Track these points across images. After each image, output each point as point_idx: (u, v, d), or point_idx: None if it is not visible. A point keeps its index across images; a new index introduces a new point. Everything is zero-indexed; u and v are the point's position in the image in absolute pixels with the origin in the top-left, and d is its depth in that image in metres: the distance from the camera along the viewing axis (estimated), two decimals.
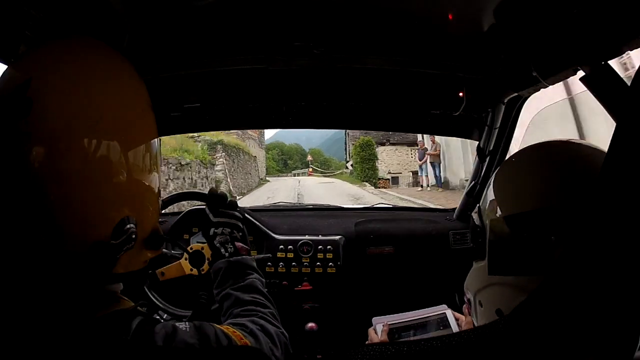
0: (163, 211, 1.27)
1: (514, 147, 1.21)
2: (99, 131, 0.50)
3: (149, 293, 1.12)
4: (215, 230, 0.92)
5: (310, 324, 1.35)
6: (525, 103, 1.19)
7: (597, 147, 0.53)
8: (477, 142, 1.42)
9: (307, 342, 1.37)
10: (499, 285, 0.55)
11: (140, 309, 0.57)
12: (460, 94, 1.20)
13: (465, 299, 0.69)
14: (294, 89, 1.26)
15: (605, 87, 0.71)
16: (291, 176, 30.82)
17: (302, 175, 29.06)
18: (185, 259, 1.12)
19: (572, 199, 0.48)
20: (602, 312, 0.34)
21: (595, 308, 0.34)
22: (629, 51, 0.66)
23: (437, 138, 11.91)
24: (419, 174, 13.97)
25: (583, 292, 0.35)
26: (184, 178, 8.83)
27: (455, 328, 0.92)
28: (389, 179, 18.03)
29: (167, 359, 0.52)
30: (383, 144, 18.82)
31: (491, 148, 1.33)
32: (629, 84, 0.36)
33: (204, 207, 0.97)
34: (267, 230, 1.44)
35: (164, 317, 1.13)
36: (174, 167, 8.34)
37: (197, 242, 1.16)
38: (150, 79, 0.60)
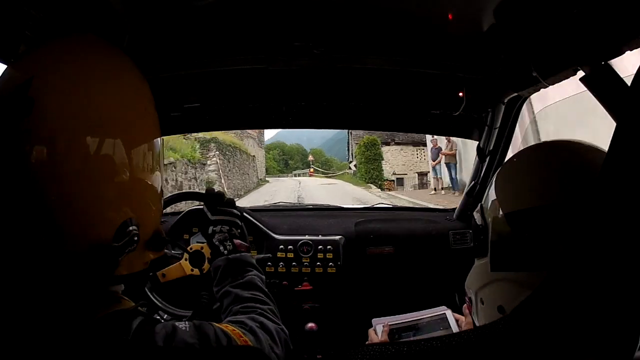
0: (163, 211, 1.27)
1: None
2: (100, 130, 0.50)
3: (150, 295, 1.12)
4: (214, 229, 0.93)
5: (310, 324, 1.35)
6: None
7: (597, 146, 0.53)
8: (477, 142, 1.42)
9: (307, 342, 1.37)
10: (501, 282, 0.56)
11: (141, 309, 0.57)
12: (460, 94, 1.20)
13: (466, 298, 0.69)
14: (294, 89, 1.26)
15: (605, 87, 0.71)
16: (291, 176, 30.65)
17: (303, 176, 28.75)
18: (186, 260, 1.12)
19: (572, 198, 0.48)
20: (602, 312, 0.34)
21: (594, 308, 0.34)
22: (628, 51, 0.66)
23: None
24: (432, 176, 12.64)
25: (582, 292, 0.35)
26: (166, 180, 8.01)
27: (455, 328, 0.92)
28: (393, 181, 17.29)
29: (167, 359, 0.52)
30: (388, 144, 18.08)
31: (491, 148, 1.33)
32: (629, 84, 0.36)
33: (203, 206, 0.97)
34: (267, 230, 1.44)
35: (164, 317, 1.13)
36: None
37: (197, 242, 1.16)
38: (150, 79, 0.60)
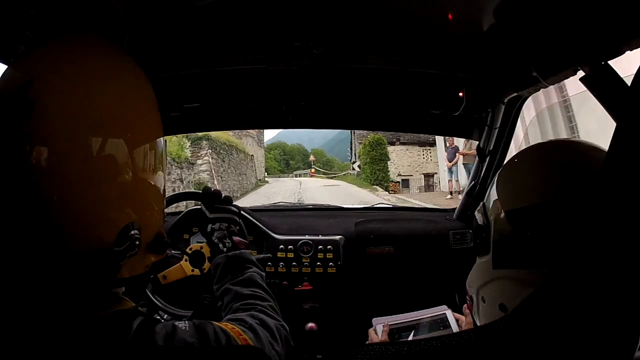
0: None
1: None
2: (101, 130, 0.50)
3: (151, 297, 1.12)
4: (213, 227, 0.93)
5: (310, 324, 1.35)
6: None
7: (597, 146, 0.53)
8: (478, 142, 1.42)
9: (307, 342, 1.37)
10: (502, 280, 0.56)
11: (141, 309, 0.57)
12: (460, 94, 1.20)
13: (467, 297, 0.69)
14: (294, 89, 1.26)
15: (605, 87, 0.71)
16: (292, 177, 30.47)
17: (304, 176, 28.48)
18: (186, 260, 1.12)
19: (572, 198, 0.48)
20: (602, 312, 0.34)
21: (594, 308, 0.34)
22: (628, 51, 0.66)
23: None
24: (448, 178, 11.25)
25: (582, 291, 0.35)
26: None
27: (455, 328, 0.92)
28: (398, 182, 16.45)
29: (167, 359, 0.52)
30: (393, 144, 17.33)
31: (491, 148, 1.34)
32: (629, 84, 0.36)
33: (201, 206, 0.97)
34: (267, 230, 1.44)
35: (164, 317, 1.13)
36: None
37: (197, 242, 1.16)
38: (150, 79, 0.60)
